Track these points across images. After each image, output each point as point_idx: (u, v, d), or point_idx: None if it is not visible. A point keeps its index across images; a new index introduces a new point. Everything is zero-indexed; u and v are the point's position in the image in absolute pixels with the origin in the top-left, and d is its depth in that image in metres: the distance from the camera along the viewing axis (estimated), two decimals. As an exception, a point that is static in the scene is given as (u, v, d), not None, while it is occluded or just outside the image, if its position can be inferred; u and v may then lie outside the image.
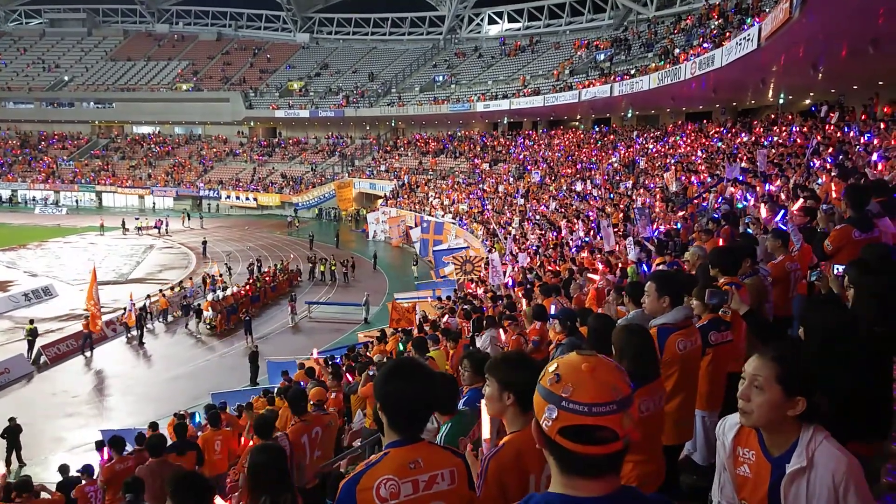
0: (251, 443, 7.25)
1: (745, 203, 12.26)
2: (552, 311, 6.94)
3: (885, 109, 19.73)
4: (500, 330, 8.17)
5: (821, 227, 5.96)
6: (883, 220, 5.57)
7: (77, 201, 60.91)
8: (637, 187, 25.51)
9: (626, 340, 3.19)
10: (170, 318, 26.26)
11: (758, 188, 13.26)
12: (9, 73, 69.74)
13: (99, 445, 10.08)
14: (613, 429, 1.44)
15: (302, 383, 11.07)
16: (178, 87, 65.92)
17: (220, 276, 30.56)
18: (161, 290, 27.64)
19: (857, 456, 2.12)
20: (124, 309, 24.82)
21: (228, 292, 26.75)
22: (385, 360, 10.29)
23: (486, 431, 2.83)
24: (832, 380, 2.74)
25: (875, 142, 15.10)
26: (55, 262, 36.61)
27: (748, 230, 8.57)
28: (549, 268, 15.65)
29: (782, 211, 8.44)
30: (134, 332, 24.12)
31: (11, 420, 14.38)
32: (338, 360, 13.93)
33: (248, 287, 27.96)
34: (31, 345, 21.41)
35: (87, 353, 22.17)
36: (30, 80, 69.04)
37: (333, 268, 32.97)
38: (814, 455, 2.10)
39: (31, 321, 22.36)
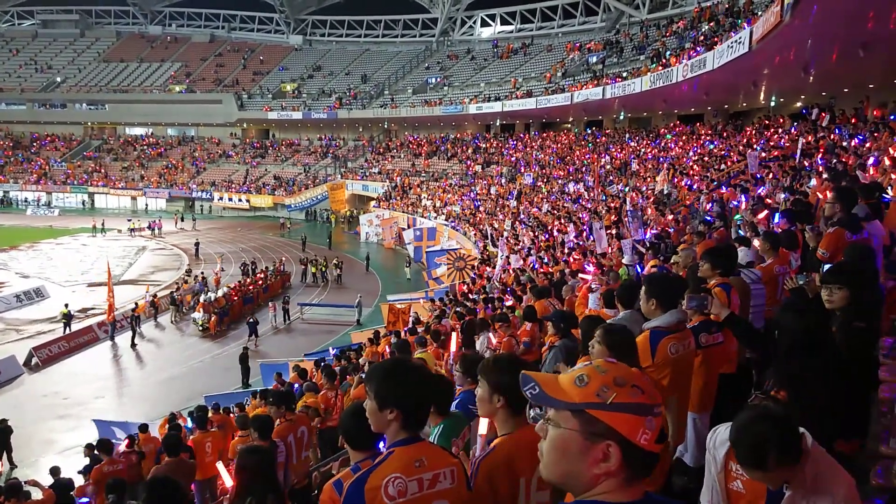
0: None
1: (736, 204, 12.31)
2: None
3: (875, 112, 19.83)
4: (490, 333, 8.16)
5: (811, 245, 5.93)
6: (872, 223, 5.60)
7: (84, 203, 60.67)
8: (630, 189, 25.57)
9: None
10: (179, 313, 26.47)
11: (749, 190, 13.32)
12: (1, 74, 69.16)
13: (88, 449, 10.01)
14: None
15: (296, 385, 11.05)
16: (171, 88, 65.62)
17: (218, 274, 30.41)
18: (175, 284, 27.92)
19: (841, 455, 2.11)
20: (135, 305, 25.18)
21: (220, 293, 26.59)
22: (370, 362, 10.28)
23: (482, 428, 2.84)
24: (805, 385, 2.76)
25: (868, 144, 15.16)
26: (47, 263, 36.38)
27: (740, 232, 8.61)
28: (541, 270, 15.66)
29: (776, 213, 8.46)
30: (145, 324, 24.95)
31: (2, 422, 14.27)
32: (329, 361, 13.89)
33: (238, 289, 27.74)
34: (66, 327, 23.40)
35: (113, 341, 23.44)
36: (22, 81, 68.53)
37: (324, 269, 32.88)
38: (815, 479, 2.06)
39: (66, 305, 24.23)
